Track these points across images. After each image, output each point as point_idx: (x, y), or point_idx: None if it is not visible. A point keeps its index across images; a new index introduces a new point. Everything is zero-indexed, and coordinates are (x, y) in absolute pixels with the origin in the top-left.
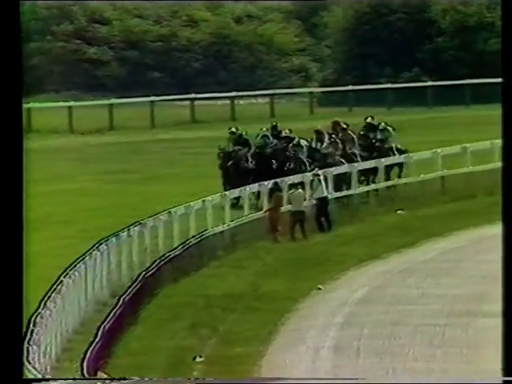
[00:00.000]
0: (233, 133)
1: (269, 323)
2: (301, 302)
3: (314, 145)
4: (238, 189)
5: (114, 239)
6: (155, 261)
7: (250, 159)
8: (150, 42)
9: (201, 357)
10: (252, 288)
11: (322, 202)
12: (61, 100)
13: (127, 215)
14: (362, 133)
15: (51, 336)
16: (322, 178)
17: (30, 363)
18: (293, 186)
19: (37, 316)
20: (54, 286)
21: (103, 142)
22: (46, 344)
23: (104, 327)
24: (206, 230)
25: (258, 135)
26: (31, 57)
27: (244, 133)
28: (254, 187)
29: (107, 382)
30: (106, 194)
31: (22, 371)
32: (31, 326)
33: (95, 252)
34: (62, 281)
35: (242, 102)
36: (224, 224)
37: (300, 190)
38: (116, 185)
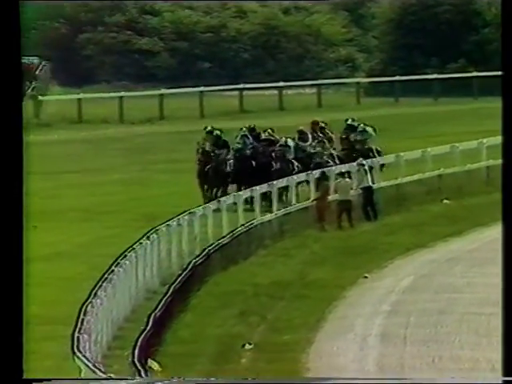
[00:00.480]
0: (210, 132)
1: (316, 311)
2: (348, 290)
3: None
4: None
5: (164, 228)
6: (204, 249)
7: (231, 161)
8: (200, 32)
9: (250, 344)
10: (300, 276)
11: (368, 191)
12: (112, 90)
13: (177, 204)
14: (343, 136)
15: (102, 324)
16: (367, 167)
17: (80, 352)
18: (340, 175)
19: (88, 305)
20: (105, 275)
21: (153, 132)
22: (97, 332)
23: (154, 315)
24: (254, 219)
25: (236, 136)
26: (84, 48)
27: (220, 133)
28: (283, 182)
29: (107, 382)
30: (156, 184)
31: (22, 371)
32: (82, 315)
33: (145, 241)
34: (113, 270)
35: (289, 92)
36: (272, 213)
37: (347, 179)
38: (166, 174)
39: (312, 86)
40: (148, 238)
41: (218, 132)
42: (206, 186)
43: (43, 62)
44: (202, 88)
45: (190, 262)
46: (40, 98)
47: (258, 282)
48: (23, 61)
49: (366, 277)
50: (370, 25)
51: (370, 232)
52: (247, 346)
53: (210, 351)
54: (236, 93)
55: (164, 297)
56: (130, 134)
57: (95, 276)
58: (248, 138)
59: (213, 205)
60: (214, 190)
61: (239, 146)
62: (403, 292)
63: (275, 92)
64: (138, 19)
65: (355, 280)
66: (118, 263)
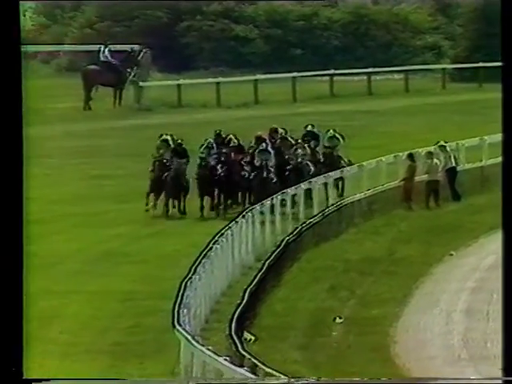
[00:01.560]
0: (166, 141)
1: (404, 286)
2: (434, 267)
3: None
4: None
5: (258, 207)
6: (297, 227)
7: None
8: (293, 20)
9: (340, 318)
10: (388, 253)
11: (452, 172)
12: (210, 76)
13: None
14: (301, 140)
15: (201, 299)
16: (449, 150)
17: (180, 326)
18: (428, 155)
19: (188, 281)
20: (204, 252)
21: (248, 116)
22: (196, 307)
23: (250, 290)
24: (344, 198)
25: (201, 145)
26: (183, 35)
27: (181, 141)
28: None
29: (107, 382)
30: None
31: (22, 371)
32: (182, 290)
33: (241, 219)
34: (211, 247)
35: (378, 77)
36: (361, 193)
37: (436, 160)
38: None
39: (400, 71)
40: (243, 216)
41: (179, 140)
42: (154, 195)
43: (144, 50)
44: (294, 73)
45: (283, 240)
46: (141, 83)
47: (348, 258)
48: (125, 48)
49: (451, 254)
50: (456, 13)
51: (455, 211)
52: (338, 320)
53: (303, 324)
54: (327, 78)
55: (259, 272)
56: (227, 118)
57: (195, 253)
58: (212, 148)
59: (304, 185)
60: (170, 200)
61: (203, 155)
62: (487, 270)
63: (364, 77)
64: (234, 8)
65: (441, 257)
66: (216, 241)
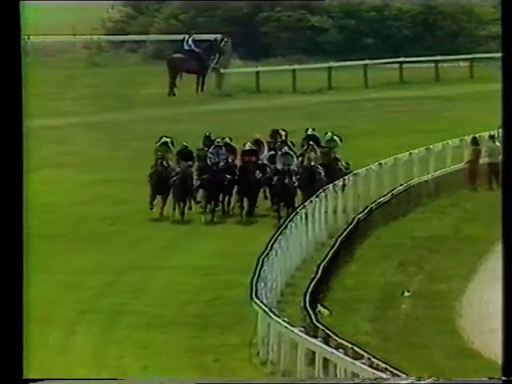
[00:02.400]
0: (165, 143)
1: (469, 263)
2: (497, 245)
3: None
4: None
5: (330, 187)
6: (367, 206)
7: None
8: (365, 11)
9: (408, 292)
10: (454, 231)
11: None
12: (286, 63)
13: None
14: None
15: (277, 274)
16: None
17: (258, 298)
18: (491, 139)
19: (265, 257)
20: (280, 230)
21: (322, 101)
22: (272, 281)
23: (323, 265)
24: (412, 179)
25: (206, 146)
26: (262, 25)
27: (186, 144)
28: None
29: (107, 382)
30: None
31: (22, 371)
32: (259, 265)
33: (315, 199)
34: (286, 225)
35: (445, 65)
36: (428, 174)
37: (498, 144)
38: None
39: (465, 59)
40: (317, 196)
41: (184, 143)
42: (161, 197)
43: (225, 39)
44: (366, 61)
45: (355, 218)
46: (222, 71)
47: (415, 235)
48: (208, 37)
49: None
50: None
51: None
52: (406, 294)
53: (373, 298)
54: (397, 65)
55: (331, 249)
56: (302, 103)
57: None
58: (221, 149)
59: (374, 167)
60: (177, 203)
61: (212, 156)
62: None
63: (432, 65)
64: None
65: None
66: (291, 219)
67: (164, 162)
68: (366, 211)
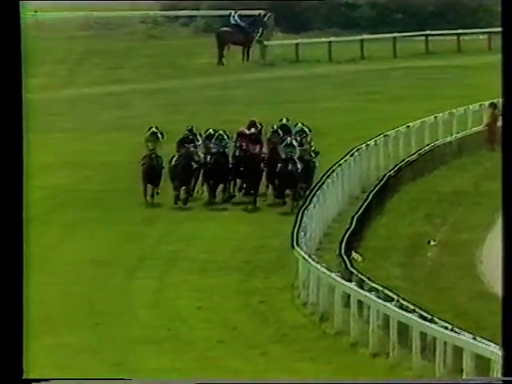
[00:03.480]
0: (154, 134)
1: (488, 215)
2: None
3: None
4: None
5: (364, 147)
6: (397, 164)
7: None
8: None
9: (434, 241)
10: (474, 187)
11: None
12: (323, 36)
13: (375, 128)
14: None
15: (315, 224)
16: None
17: (298, 246)
18: None
19: (304, 209)
20: (318, 185)
21: (355, 70)
22: (311, 231)
23: (357, 217)
24: (436, 140)
25: (210, 135)
26: (301, 2)
27: (190, 127)
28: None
29: (108, 382)
30: (358, 111)
31: (22, 371)
32: (299, 217)
33: (349, 157)
34: (323, 181)
35: (466, 37)
36: (451, 136)
37: None
38: (365, 103)
39: (484, 33)
40: (352, 155)
41: (189, 127)
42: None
43: (269, 14)
44: (395, 34)
45: (385, 175)
46: (265, 43)
47: (440, 191)
48: (253, 13)
49: None
50: None
51: None
52: (432, 243)
53: (402, 246)
54: (423, 38)
55: (364, 202)
56: (337, 72)
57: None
58: (224, 139)
59: (403, 129)
60: (180, 187)
61: (217, 143)
62: None
63: (454, 38)
64: None
65: None
66: (328, 176)
67: (153, 155)
68: (395, 169)
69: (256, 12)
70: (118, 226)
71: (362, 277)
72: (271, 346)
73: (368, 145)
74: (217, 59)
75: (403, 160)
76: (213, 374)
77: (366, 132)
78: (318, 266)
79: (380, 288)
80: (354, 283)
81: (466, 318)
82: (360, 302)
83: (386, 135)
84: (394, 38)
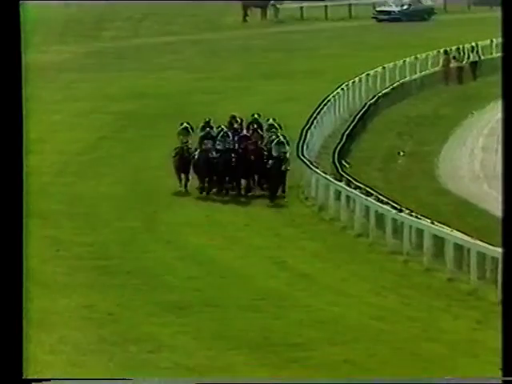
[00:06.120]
0: (185, 129)
1: (443, 133)
2: (463, 121)
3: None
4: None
5: (350, 83)
6: (375, 95)
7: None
8: None
9: (403, 152)
10: (434, 112)
11: (474, 62)
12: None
13: (359, 68)
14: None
15: (315, 139)
16: (473, 47)
17: (303, 156)
18: (457, 51)
19: (307, 129)
20: (317, 111)
21: (345, 26)
22: (312, 144)
23: (346, 134)
24: (405, 77)
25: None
26: None
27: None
28: None
29: (107, 382)
30: (347, 57)
31: (22, 371)
32: (303, 135)
33: (340, 90)
34: (321, 108)
35: None
36: (416, 74)
37: (463, 54)
38: (352, 51)
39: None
40: (342, 88)
41: (207, 118)
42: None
43: None
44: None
45: (367, 103)
46: (278, 6)
47: (408, 114)
48: None
49: (472, 113)
50: None
51: (475, 86)
52: (402, 153)
53: (380, 155)
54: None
55: (351, 123)
56: (332, 27)
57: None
58: (228, 136)
59: (380, 69)
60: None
61: (222, 139)
62: (496, 122)
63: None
64: None
65: (467, 115)
66: (325, 104)
67: (185, 148)
68: (374, 99)
69: None
70: (167, 140)
71: (350, 178)
72: (283, 229)
73: (354, 81)
74: (242, 18)
75: (380, 92)
76: (240, 249)
77: (353, 72)
78: (317, 170)
79: (363, 186)
80: (343, 183)
81: (426, 208)
82: (348, 197)
83: (367, 74)
84: (374, 3)
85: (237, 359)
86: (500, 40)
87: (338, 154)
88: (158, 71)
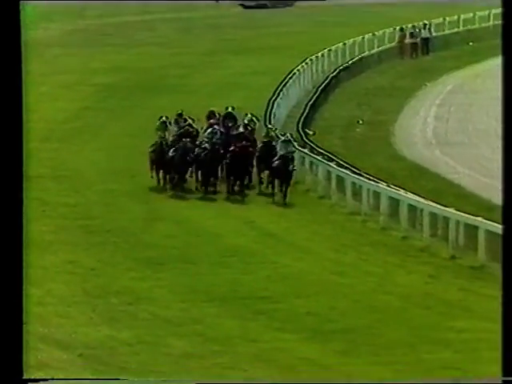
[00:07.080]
0: (164, 123)
1: (398, 103)
2: (416, 92)
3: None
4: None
5: (313, 57)
6: (336, 69)
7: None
8: None
9: (362, 121)
10: (390, 84)
11: (426, 38)
12: None
13: (323, 44)
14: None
15: (281, 110)
16: (425, 24)
17: (270, 124)
18: (412, 28)
19: (274, 100)
20: (283, 83)
21: (310, 5)
22: (279, 114)
23: (309, 104)
24: (364, 52)
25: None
26: None
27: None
28: None
29: (107, 382)
30: (310, 33)
31: (22, 371)
32: (270, 106)
33: (304, 64)
34: (287, 80)
35: None
36: (374, 49)
37: (416, 31)
38: (316, 28)
39: None
40: (306, 62)
41: (190, 120)
42: (158, 171)
43: None
44: None
45: (329, 76)
46: None
47: (367, 86)
48: None
49: (426, 84)
50: None
51: (429, 61)
52: (360, 122)
53: (340, 124)
54: None
55: (314, 94)
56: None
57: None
58: (216, 133)
59: (341, 45)
60: (176, 176)
61: (210, 136)
62: (447, 92)
63: None
64: None
65: (420, 86)
66: (290, 77)
67: (164, 142)
68: (335, 72)
69: None
70: (145, 110)
71: (313, 145)
72: (251, 192)
73: (317, 56)
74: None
75: (341, 66)
76: (212, 210)
77: (316, 47)
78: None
79: (325, 153)
80: (307, 149)
81: (383, 172)
82: (312, 162)
83: (329, 49)
84: None
85: (209, 311)
86: (454, 18)
87: (303, 123)
88: (137, 47)
